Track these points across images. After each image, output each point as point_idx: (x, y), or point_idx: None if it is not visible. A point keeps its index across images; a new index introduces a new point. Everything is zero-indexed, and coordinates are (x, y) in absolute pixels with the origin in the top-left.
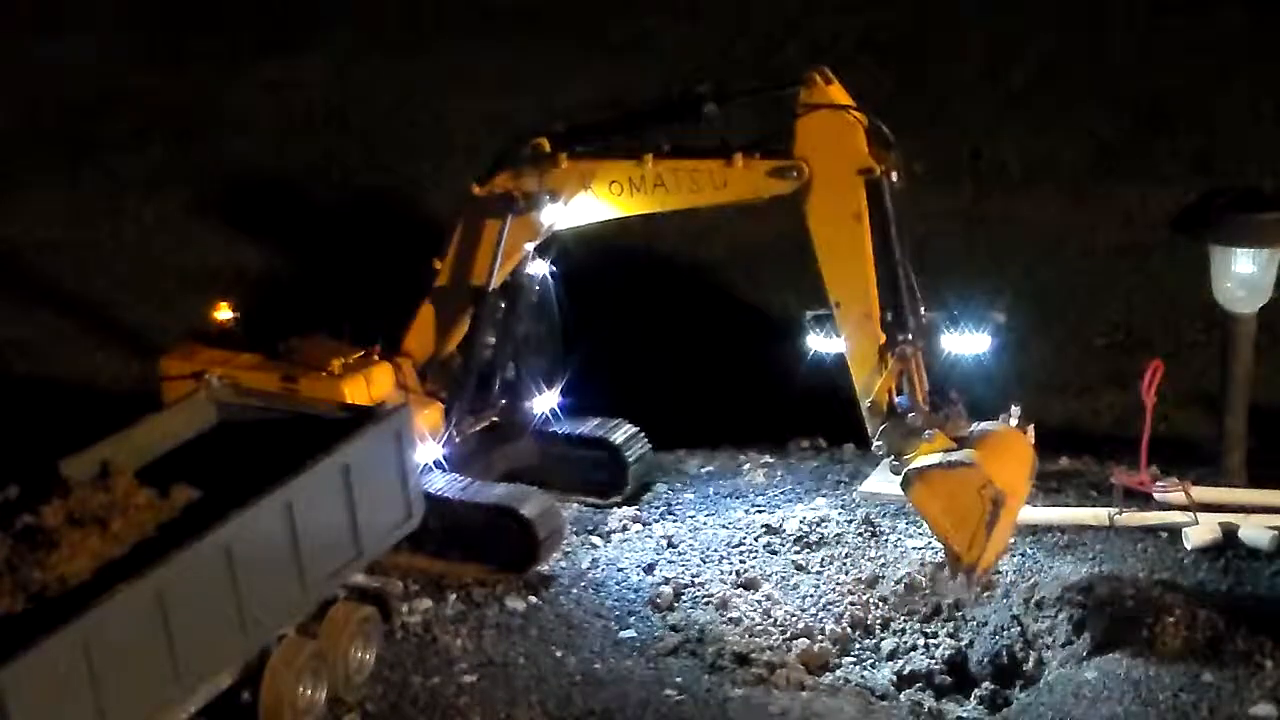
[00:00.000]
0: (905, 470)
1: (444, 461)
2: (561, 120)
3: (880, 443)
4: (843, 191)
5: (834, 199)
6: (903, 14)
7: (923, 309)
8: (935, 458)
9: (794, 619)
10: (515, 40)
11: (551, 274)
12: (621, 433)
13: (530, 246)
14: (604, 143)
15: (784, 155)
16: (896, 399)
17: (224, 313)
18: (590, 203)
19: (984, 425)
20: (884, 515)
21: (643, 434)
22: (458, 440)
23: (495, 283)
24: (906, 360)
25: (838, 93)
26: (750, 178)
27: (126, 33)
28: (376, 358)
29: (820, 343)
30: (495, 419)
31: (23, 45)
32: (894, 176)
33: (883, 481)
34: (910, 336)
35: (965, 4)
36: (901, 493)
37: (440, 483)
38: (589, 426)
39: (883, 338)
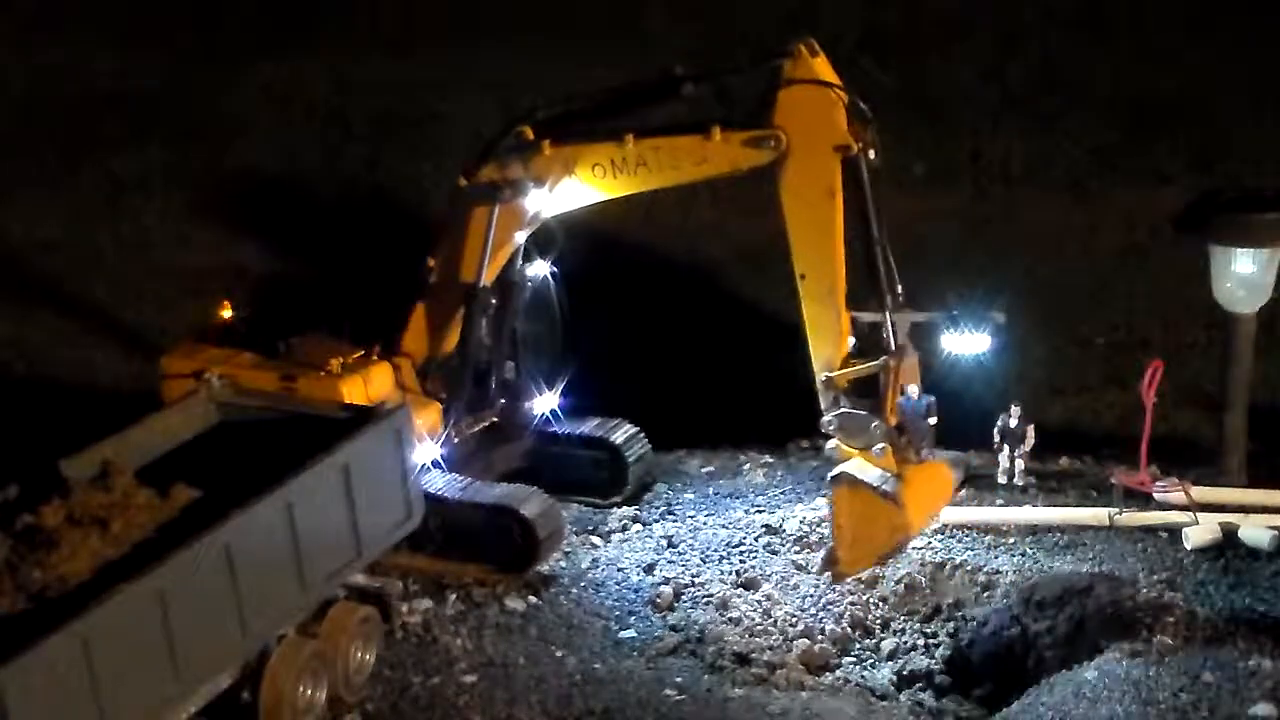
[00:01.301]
0: (842, 469)
1: (442, 461)
2: (543, 108)
3: (832, 422)
4: (818, 166)
5: (809, 172)
6: (903, 14)
7: (899, 287)
8: (874, 476)
9: (794, 619)
10: (515, 40)
11: (552, 274)
12: (622, 433)
13: (520, 237)
14: (586, 127)
15: (762, 126)
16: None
17: (225, 311)
18: (575, 187)
19: (926, 455)
20: None
21: (643, 434)
22: (457, 440)
23: (487, 278)
24: (888, 372)
25: (823, 66)
26: (728, 150)
27: (126, 33)
28: (375, 357)
29: None
30: (495, 419)
31: (23, 45)
32: (871, 155)
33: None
34: (895, 349)
35: (965, 4)
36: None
37: (440, 482)
38: (589, 427)
39: (845, 314)
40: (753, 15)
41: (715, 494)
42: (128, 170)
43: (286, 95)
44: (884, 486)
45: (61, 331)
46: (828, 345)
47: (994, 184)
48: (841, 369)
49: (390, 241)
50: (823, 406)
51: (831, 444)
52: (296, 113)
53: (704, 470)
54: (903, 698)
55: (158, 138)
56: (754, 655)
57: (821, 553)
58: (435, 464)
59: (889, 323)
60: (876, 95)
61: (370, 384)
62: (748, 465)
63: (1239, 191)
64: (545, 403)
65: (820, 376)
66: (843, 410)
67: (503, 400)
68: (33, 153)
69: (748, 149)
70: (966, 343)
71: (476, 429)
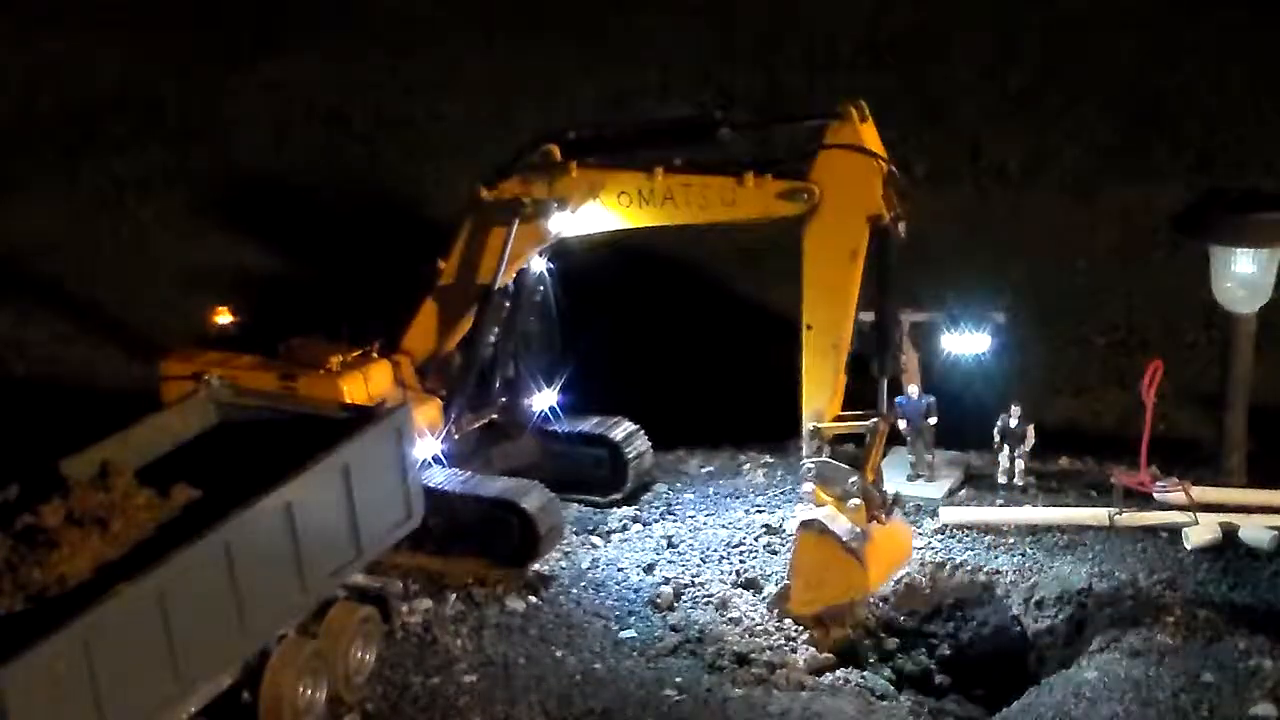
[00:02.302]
0: (814, 517)
1: (443, 458)
2: (573, 128)
3: (811, 469)
4: (847, 228)
5: (836, 233)
6: (902, 14)
7: (901, 356)
8: (844, 529)
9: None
10: (515, 40)
11: (549, 271)
12: (621, 430)
13: (536, 251)
14: (616, 154)
15: (796, 178)
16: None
17: (223, 317)
18: (598, 212)
19: (893, 520)
20: None
21: (642, 431)
22: (456, 437)
23: (500, 284)
24: (875, 435)
25: (869, 132)
26: (760, 197)
27: (127, 32)
28: (375, 355)
29: None
30: (494, 416)
31: (24, 44)
32: (901, 228)
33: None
34: (884, 412)
35: (965, 4)
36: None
37: (441, 477)
38: (589, 425)
39: (843, 374)
40: (753, 16)
41: (715, 494)
42: (128, 170)
43: (286, 95)
44: (851, 543)
45: (61, 331)
46: (820, 397)
47: (994, 184)
48: (831, 422)
49: (389, 241)
50: (804, 453)
51: (808, 488)
52: (296, 113)
53: (704, 470)
54: (903, 698)
55: (158, 138)
56: (754, 655)
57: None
58: (436, 460)
59: (884, 387)
60: (876, 95)
61: (370, 382)
62: (748, 465)
63: (1239, 191)
64: (544, 400)
65: (808, 426)
66: (823, 459)
67: (503, 399)
68: (33, 153)
69: (780, 200)
70: (966, 343)
71: (476, 426)
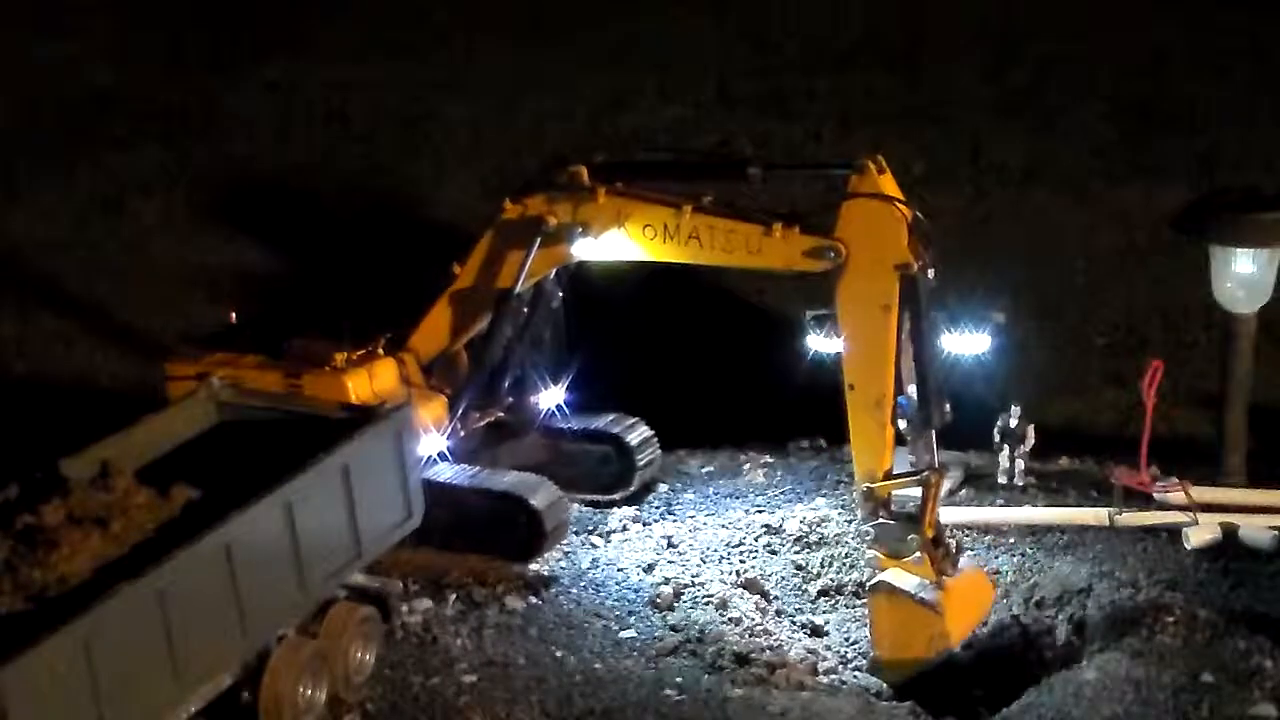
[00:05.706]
0: (881, 578)
1: (449, 454)
2: (603, 152)
3: (869, 532)
4: (876, 281)
5: (867, 287)
6: (903, 14)
7: (947, 405)
8: (911, 584)
9: (794, 619)
10: (515, 41)
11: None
12: (624, 428)
13: (554, 269)
14: (643, 182)
15: (823, 233)
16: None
17: (230, 316)
18: (621, 241)
19: (962, 568)
20: None
21: (647, 426)
22: (462, 434)
23: (518, 290)
24: (929, 486)
25: (888, 183)
26: (786, 250)
27: (126, 33)
28: (380, 353)
29: (820, 343)
30: (500, 414)
31: (23, 45)
32: (930, 274)
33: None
34: (935, 464)
35: (965, 4)
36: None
37: (448, 472)
38: (594, 422)
39: (890, 428)
40: (753, 16)
41: (715, 494)
42: (128, 170)
43: (286, 95)
44: (922, 594)
45: (61, 331)
46: (871, 456)
47: (994, 184)
48: (884, 480)
49: (389, 241)
50: (861, 516)
51: (872, 552)
52: (296, 113)
53: (704, 470)
54: (902, 698)
55: (158, 138)
56: (754, 655)
57: (822, 553)
58: (442, 456)
59: (934, 439)
60: (876, 95)
61: (375, 379)
62: (748, 465)
63: (1239, 191)
64: (550, 399)
65: (861, 487)
66: (879, 521)
67: (510, 398)
68: (33, 153)
69: (807, 257)
70: (966, 343)
71: (482, 424)
